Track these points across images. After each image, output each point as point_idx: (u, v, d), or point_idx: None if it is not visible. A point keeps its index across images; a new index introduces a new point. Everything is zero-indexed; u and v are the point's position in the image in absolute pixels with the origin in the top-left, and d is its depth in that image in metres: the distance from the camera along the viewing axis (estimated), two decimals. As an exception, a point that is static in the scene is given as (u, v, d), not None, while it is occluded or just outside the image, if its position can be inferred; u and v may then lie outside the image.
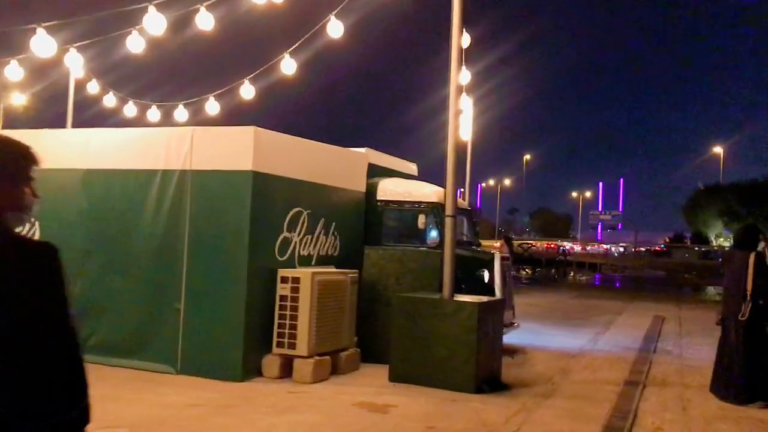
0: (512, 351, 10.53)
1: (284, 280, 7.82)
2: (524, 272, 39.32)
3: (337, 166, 9.44)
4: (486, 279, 10.01)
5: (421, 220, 9.84)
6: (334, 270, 8.49)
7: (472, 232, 11.55)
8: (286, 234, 8.19)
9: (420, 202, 10.09)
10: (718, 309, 8.02)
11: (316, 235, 8.81)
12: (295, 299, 7.73)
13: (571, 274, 39.51)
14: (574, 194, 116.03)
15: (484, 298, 8.15)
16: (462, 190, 20.12)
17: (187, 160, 7.89)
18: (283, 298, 7.79)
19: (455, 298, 7.96)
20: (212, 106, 12.64)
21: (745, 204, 69.14)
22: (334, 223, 9.21)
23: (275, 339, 7.79)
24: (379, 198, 10.24)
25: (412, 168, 12.15)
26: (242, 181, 7.64)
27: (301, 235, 8.48)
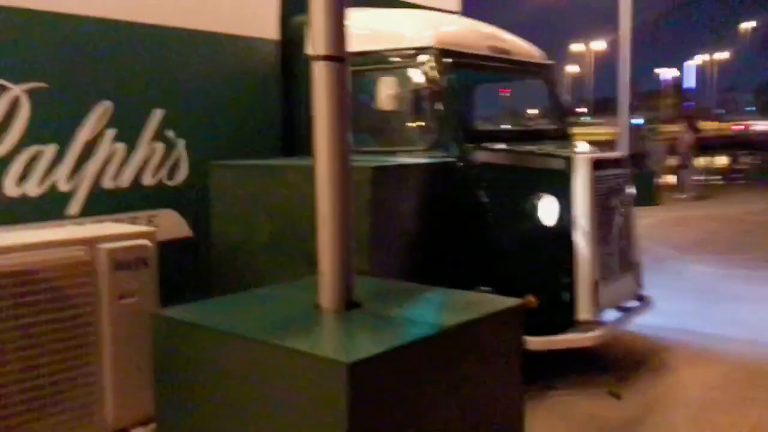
0: (636, 357, 4.83)
1: None
2: (740, 162, 30.65)
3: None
4: (549, 218, 4.28)
5: (391, 87, 4.27)
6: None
7: (556, 109, 5.65)
8: None
9: (399, 52, 4.52)
10: None
11: (75, 143, 3.66)
12: None
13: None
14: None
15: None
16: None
17: None
18: None
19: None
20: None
21: None
22: (160, 113, 3.99)
23: None
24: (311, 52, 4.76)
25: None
26: None
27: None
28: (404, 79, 4.38)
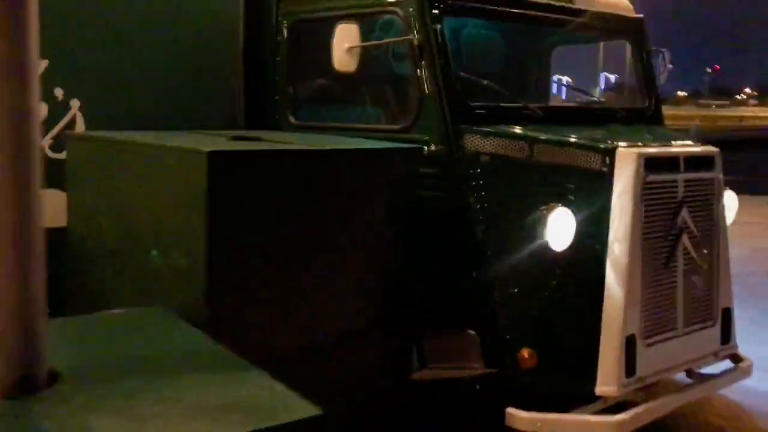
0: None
1: None
2: None
3: None
4: (563, 241, 2.87)
5: (351, 38, 3.05)
6: None
7: (643, 82, 4.06)
8: None
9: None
10: None
11: None
12: None
13: None
14: None
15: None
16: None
17: None
18: None
19: None
20: None
21: None
22: (43, 65, 3.09)
23: None
24: (282, 9, 3.63)
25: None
26: None
27: None
28: (373, 29, 3.16)
